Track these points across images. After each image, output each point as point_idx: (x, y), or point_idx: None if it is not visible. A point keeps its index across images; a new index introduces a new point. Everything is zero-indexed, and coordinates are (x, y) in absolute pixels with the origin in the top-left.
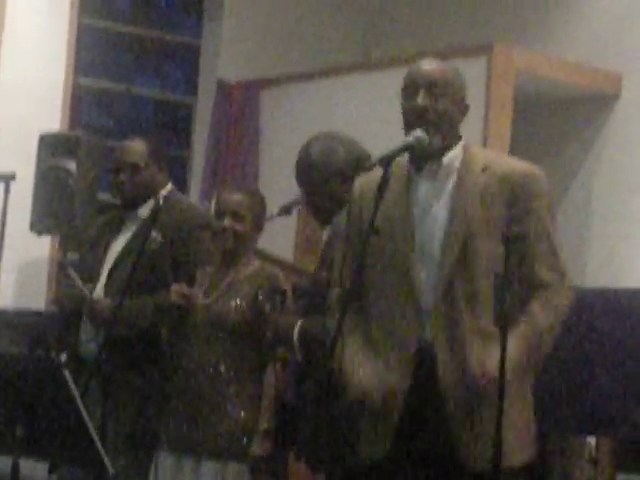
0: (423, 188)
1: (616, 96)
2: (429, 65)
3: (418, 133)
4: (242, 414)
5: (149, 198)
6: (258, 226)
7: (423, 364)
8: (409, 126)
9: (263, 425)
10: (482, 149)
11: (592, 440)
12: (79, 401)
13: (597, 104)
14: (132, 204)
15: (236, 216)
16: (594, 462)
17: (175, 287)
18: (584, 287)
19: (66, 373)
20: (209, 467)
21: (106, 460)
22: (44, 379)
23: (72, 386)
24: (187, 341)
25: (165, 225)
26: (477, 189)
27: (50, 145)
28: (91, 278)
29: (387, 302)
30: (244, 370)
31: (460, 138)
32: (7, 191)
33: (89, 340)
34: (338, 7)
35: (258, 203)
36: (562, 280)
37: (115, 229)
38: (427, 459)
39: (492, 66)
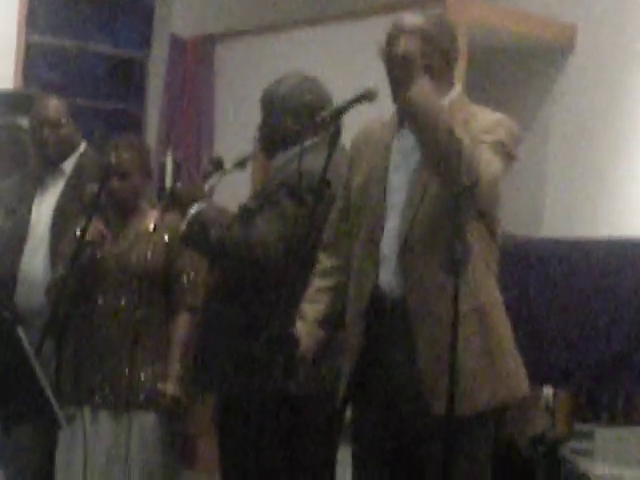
0: (404, 139)
1: (571, 47)
2: (412, 16)
3: (369, 85)
4: (153, 362)
5: (69, 155)
6: (146, 175)
7: (377, 310)
8: (394, 79)
9: (176, 371)
10: (470, 103)
11: (549, 390)
12: (33, 358)
13: (552, 55)
14: (55, 160)
15: (122, 175)
16: (551, 412)
17: (94, 224)
18: (540, 237)
19: (20, 330)
20: (107, 416)
21: (60, 415)
22: None
23: (26, 343)
24: (95, 289)
25: (93, 178)
26: None
27: (4, 103)
28: (16, 239)
29: (358, 250)
30: (154, 317)
31: (448, 90)
32: None
33: (29, 301)
34: None
35: (142, 154)
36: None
37: (33, 188)
38: (389, 404)
39: (446, 17)
